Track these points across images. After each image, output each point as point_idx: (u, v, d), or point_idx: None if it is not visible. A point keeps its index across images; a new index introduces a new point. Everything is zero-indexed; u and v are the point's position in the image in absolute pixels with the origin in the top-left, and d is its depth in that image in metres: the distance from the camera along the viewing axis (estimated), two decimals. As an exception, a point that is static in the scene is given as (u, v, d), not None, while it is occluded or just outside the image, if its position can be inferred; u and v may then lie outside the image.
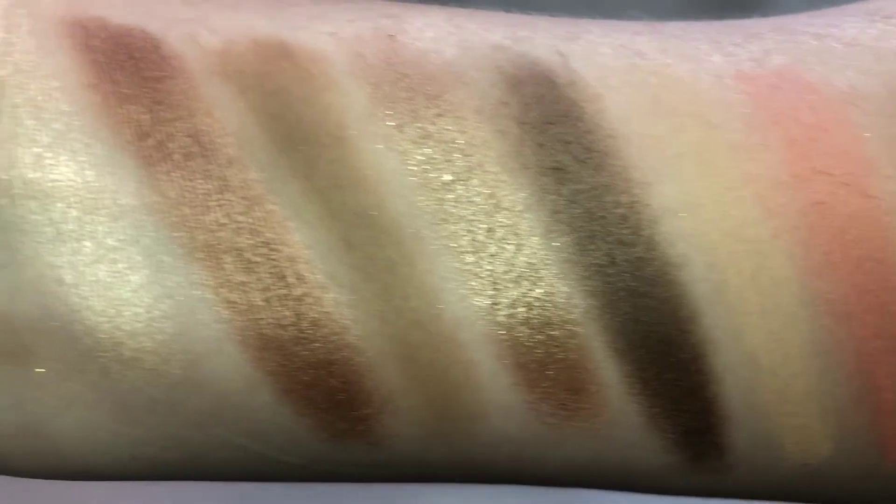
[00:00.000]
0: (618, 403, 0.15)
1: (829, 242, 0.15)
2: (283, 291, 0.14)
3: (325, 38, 0.15)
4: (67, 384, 0.14)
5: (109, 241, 0.14)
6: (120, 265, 0.14)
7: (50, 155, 0.14)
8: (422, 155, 0.15)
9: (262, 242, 0.14)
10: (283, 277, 0.14)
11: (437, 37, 0.15)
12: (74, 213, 0.14)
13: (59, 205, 0.14)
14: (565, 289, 0.15)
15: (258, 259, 0.14)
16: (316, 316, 0.14)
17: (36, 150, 0.14)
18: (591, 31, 0.16)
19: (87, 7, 0.15)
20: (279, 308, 0.14)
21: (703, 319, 0.15)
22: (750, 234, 0.15)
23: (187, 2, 0.15)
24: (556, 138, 0.15)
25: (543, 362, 0.15)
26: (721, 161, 0.15)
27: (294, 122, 0.14)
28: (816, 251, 0.15)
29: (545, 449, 0.16)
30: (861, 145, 0.15)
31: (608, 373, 0.15)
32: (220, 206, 0.14)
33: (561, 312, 0.15)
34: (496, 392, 0.15)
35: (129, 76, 0.14)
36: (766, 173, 0.15)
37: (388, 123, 0.15)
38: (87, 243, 0.14)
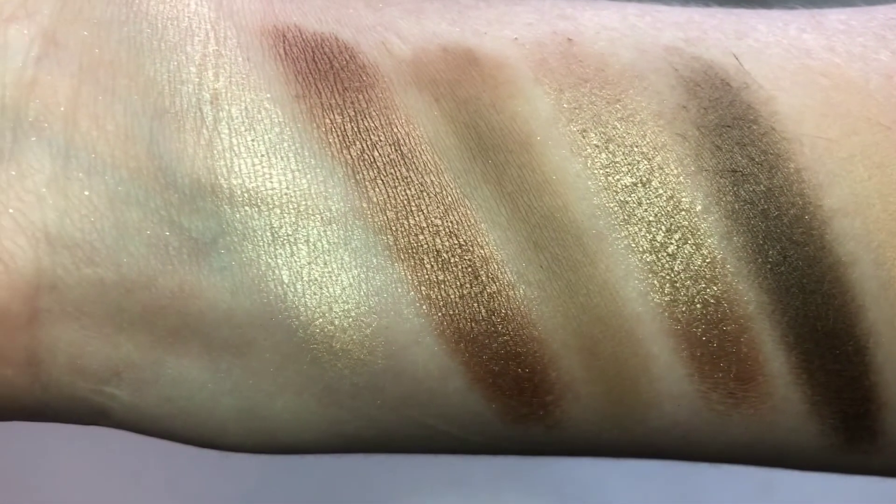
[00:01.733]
0: (783, 392, 0.16)
1: None
2: (477, 289, 0.15)
3: (508, 43, 0.16)
4: (281, 372, 0.16)
5: (322, 244, 0.15)
6: (332, 266, 0.15)
7: (266, 164, 0.15)
8: (605, 159, 0.15)
9: (458, 244, 0.15)
10: (478, 276, 0.15)
11: (614, 39, 0.16)
12: (290, 218, 0.15)
13: (276, 211, 0.15)
14: (740, 286, 0.15)
15: (455, 259, 0.15)
16: (506, 312, 0.15)
17: (253, 159, 0.15)
18: (758, 27, 0.17)
19: (282, 15, 0.16)
20: (473, 304, 0.15)
21: (868, 314, 0.16)
22: None
23: (371, 6, 0.16)
24: (733, 141, 0.15)
25: (716, 355, 0.16)
26: (891, 162, 0.15)
27: (485, 130, 0.15)
28: None
29: (711, 433, 0.17)
30: None
31: (776, 364, 0.16)
32: (420, 210, 0.15)
33: (735, 309, 0.16)
34: (670, 382, 0.16)
35: (332, 86, 0.15)
36: None
37: (571, 129, 0.15)
38: (303, 246, 0.15)
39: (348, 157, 0.15)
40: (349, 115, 0.15)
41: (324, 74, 0.15)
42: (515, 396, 0.16)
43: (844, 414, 0.17)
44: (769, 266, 0.15)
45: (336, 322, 0.15)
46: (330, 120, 0.15)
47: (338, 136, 0.15)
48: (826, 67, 0.16)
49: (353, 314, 0.15)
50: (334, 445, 0.17)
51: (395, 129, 0.15)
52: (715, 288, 0.15)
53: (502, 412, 0.16)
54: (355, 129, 0.15)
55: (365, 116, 0.15)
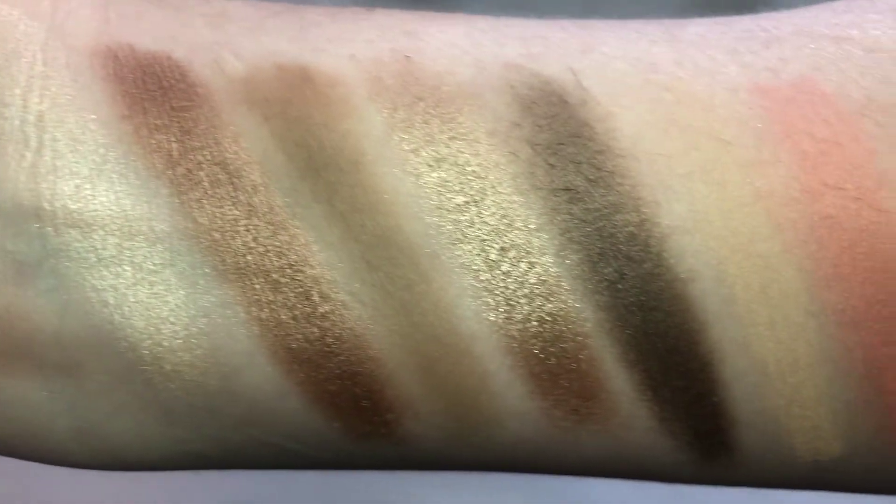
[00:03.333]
0: (629, 409, 0.16)
1: (839, 255, 0.15)
2: (309, 309, 0.15)
3: (345, 61, 0.16)
4: (115, 393, 0.16)
5: (148, 265, 0.15)
6: (158, 287, 0.15)
7: (89, 186, 0.15)
8: (436, 178, 0.15)
9: (288, 264, 0.15)
10: (309, 297, 0.15)
11: (454, 56, 0.16)
12: (114, 240, 0.15)
13: (99, 233, 0.15)
14: (576, 304, 0.15)
15: (285, 280, 0.15)
16: (339, 332, 0.15)
17: (76, 181, 0.15)
18: (607, 41, 0.16)
19: (116, 34, 0.16)
20: (305, 325, 0.15)
21: (711, 331, 0.16)
22: (759, 249, 0.15)
23: (211, 23, 0.16)
24: (568, 159, 0.15)
25: (555, 372, 0.16)
26: (731, 178, 0.15)
27: (315, 149, 0.15)
28: (826, 264, 0.15)
29: (561, 449, 0.17)
30: (874, 158, 0.15)
31: (619, 381, 0.16)
32: (247, 230, 0.15)
33: (572, 326, 0.15)
34: (511, 399, 0.16)
35: (159, 106, 0.15)
36: (776, 189, 0.15)
37: (403, 148, 0.15)
38: (127, 268, 0.15)
39: (173, 177, 0.15)
40: (175, 135, 0.15)
41: (152, 94, 0.15)
42: (355, 415, 0.16)
43: (696, 430, 0.16)
44: (606, 283, 0.15)
45: (165, 344, 0.15)
46: (155, 140, 0.15)
47: (163, 156, 0.15)
48: (671, 82, 0.16)
49: (182, 335, 0.15)
50: (183, 464, 0.17)
51: (223, 149, 0.15)
52: (550, 306, 0.15)
53: (345, 430, 0.16)
54: (181, 148, 0.15)
55: (191, 136, 0.15)
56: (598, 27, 0.17)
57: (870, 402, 0.16)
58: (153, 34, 0.16)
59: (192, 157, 0.15)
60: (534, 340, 0.15)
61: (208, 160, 0.15)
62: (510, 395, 0.16)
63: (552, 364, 0.16)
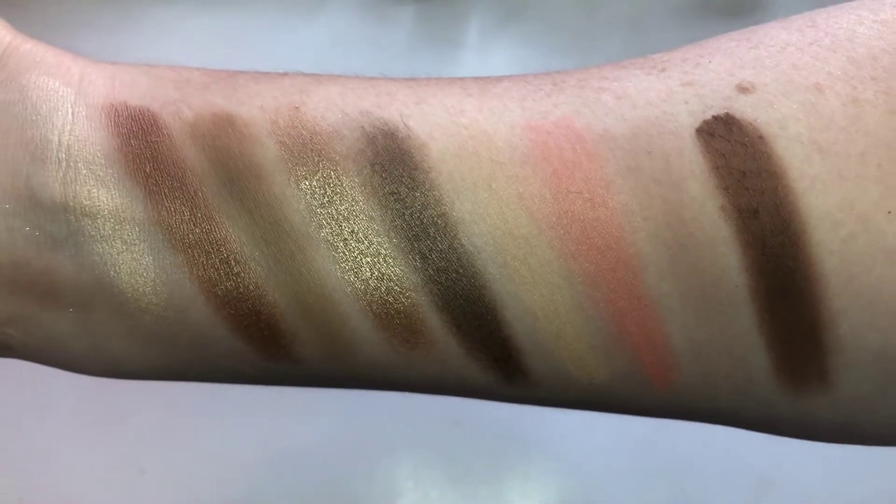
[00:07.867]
0: (444, 340, 0.24)
1: (580, 237, 0.23)
2: (228, 270, 0.24)
3: (256, 110, 0.24)
4: (111, 323, 0.24)
5: (130, 241, 0.24)
6: (136, 254, 0.24)
7: (96, 191, 0.24)
8: (308, 185, 0.23)
9: (214, 241, 0.24)
10: (227, 262, 0.24)
11: (327, 106, 0.24)
12: (110, 224, 0.24)
13: (101, 220, 0.24)
14: (401, 268, 0.23)
15: (212, 250, 0.24)
16: (247, 285, 0.24)
17: (88, 188, 0.24)
18: (435, 95, 0.24)
19: (118, 95, 0.25)
20: (226, 280, 0.24)
21: (493, 286, 0.23)
22: (522, 232, 0.23)
23: (177, 86, 0.25)
24: (395, 174, 0.23)
25: (390, 313, 0.24)
26: (502, 186, 0.23)
27: (232, 166, 0.24)
28: (571, 242, 0.23)
29: (404, 368, 0.24)
30: (604, 172, 0.23)
31: (434, 321, 0.24)
32: (190, 219, 0.24)
33: (398, 283, 0.23)
34: (363, 332, 0.24)
35: (140, 141, 0.24)
36: (534, 193, 0.23)
37: (289, 166, 0.23)
38: (118, 242, 0.24)
39: (146, 185, 0.24)
40: (149, 159, 0.24)
41: (135, 134, 0.24)
42: (261, 341, 0.24)
43: (494, 357, 0.24)
44: (419, 255, 0.23)
45: (140, 289, 0.24)
46: (137, 163, 0.24)
47: (141, 173, 0.24)
48: (469, 122, 0.24)
49: (150, 285, 0.24)
50: (164, 374, 0.26)
51: (176, 167, 0.24)
52: (384, 269, 0.23)
53: (257, 351, 0.24)
54: (152, 167, 0.24)
55: (158, 159, 0.24)
56: (435, 85, 0.25)
57: (619, 340, 0.23)
58: (140, 94, 0.25)
59: (158, 173, 0.24)
60: (374, 292, 0.23)
61: (168, 175, 0.24)
62: (362, 328, 0.24)
63: (387, 307, 0.24)
